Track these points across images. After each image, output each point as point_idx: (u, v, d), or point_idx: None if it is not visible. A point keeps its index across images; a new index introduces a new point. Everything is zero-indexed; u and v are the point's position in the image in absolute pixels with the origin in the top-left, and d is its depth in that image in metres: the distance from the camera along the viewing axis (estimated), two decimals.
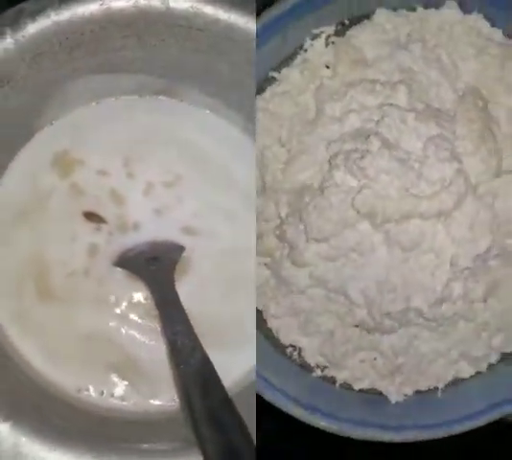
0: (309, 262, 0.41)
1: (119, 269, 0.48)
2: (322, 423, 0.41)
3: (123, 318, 0.47)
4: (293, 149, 0.43)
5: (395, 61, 0.43)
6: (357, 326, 0.42)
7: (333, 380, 0.43)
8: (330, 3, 0.44)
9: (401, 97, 0.42)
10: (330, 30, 0.44)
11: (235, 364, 0.45)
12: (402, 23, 0.44)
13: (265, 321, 0.44)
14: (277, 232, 0.42)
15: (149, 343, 0.46)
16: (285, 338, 0.43)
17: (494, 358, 0.43)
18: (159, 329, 0.46)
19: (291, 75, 0.44)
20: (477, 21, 0.43)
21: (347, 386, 0.43)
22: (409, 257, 0.40)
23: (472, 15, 0.43)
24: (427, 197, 0.39)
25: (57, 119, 0.51)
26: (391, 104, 0.41)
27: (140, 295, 0.47)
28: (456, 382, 0.43)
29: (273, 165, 0.43)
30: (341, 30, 0.44)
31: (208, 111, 0.51)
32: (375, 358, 0.43)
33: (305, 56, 0.45)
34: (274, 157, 0.43)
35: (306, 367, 0.44)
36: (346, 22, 0.44)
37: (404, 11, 0.44)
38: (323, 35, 0.44)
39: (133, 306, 0.47)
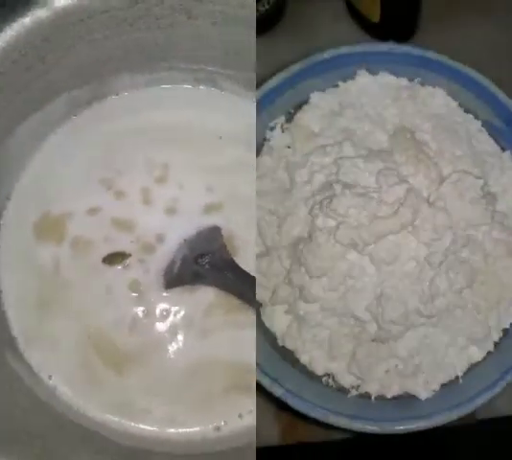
0: (317, 296, 0.48)
1: (175, 290, 0.46)
2: (365, 426, 0.46)
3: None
4: (281, 214, 0.51)
5: (335, 126, 0.53)
6: (373, 340, 0.48)
7: (368, 395, 0.49)
8: (278, 98, 0.54)
9: (348, 150, 0.51)
10: (281, 120, 0.55)
11: None
12: (332, 98, 0.54)
13: (298, 359, 0.50)
14: (286, 281, 0.49)
15: None
16: (318, 369, 0.49)
17: (496, 336, 0.49)
18: None
19: (264, 160, 0.53)
20: (384, 77, 0.54)
21: (382, 397, 0.49)
22: (394, 268, 0.47)
23: (379, 75, 0.54)
24: (390, 216, 0.47)
25: (17, 181, 0.49)
26: (342, 157, 0.50)
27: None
28: (473, 367, 0.49)
29: (269, 230, 0.51)
30: (290, 117, 0.55)
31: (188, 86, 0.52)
32: (396, 365, 0.48)
33: (269, 144, 0.54)
34: (268, 224, 0.51)
35: (343, 390, 0.49)
36: (291, 111, 0.55)
37: (331, 89, 0.55)
38: (278, 126, 0.54)
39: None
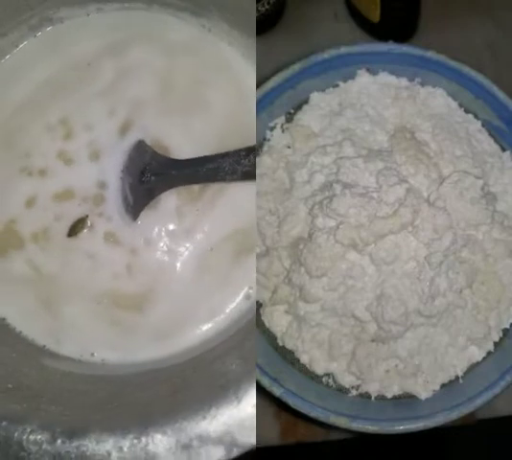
0: (317, 296, 0.48)
1: (142, 215, 0.47)
2: (365, 426, 0.46)
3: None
4: (281, 214, 0.51)
5: (336, 126, 0.53)
6: (373, 340, 0.48)
7: (368, 395, 0.49)
8: (278, 98, 0.54)
9: (348, 150, 0.51)
10: (281, 120, 0.55)
11: None
12: (332, 98, 0.54)
13: (298, 359, 0.50)
14: (286, 281, 0.49)
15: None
16: (318, 369, 0.49)
17: (497, 337, 0.49)
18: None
19: (263, 160, 0.54)
20: (384, 77, 0.54)
21: (382, 397, 0.49)
22: (395, 268, 0.47)
23: (379, 75, 0.54)
24: (390, 217, 0.47)
25: None
26: (342, 157, 0.50)
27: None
28: (473, 367, 0.49)
29: (269, 230, 0.51)
30: (290, 117, 0.55)
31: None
32: (396, 365, 0.48)
33: (269, 143, 0.54)
34: (268, 224, 0.51)
35: (343, 390, 0.49)
36: (292, 111, 0.55)
37: (331, 89, 0.55)
38: (278, 126, 0.55)
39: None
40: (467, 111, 0.54)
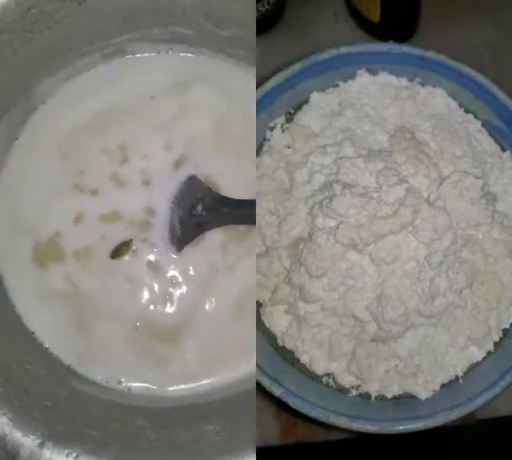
0: (317, 296, 0.48)
1: (187, 249, 0.48)
2: (365, 426, 0.46)
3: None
4: (281, 214, 0.51)
5: (336, 126, 0.53)
6: (373, 340, 0.48)
7: (368, 395, 0.49)
8: (278, 98, 0.54)
9: (348, 150, 0.51)
10: (281, 120, 0.55)
11: None
12: (332, 98, 0.54)
13: (298, 359, 0.50)
14: (286, 281, 0.49)
15: None
16: (318, 369, 0.49)
17: (497, 337, 0.49)
18: None
19: (264, 160, 0.53)
20: (384, 77, 0.54)
21: (382, 397, 0.49)
22: (395, 268, 0.47)
23: (379, 75, 0.54)
24: (390, 216, 0.47)
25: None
26: (342, 157, 0.50)
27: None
28: (473, 367, 0.49)
29: (269, 230, 0.51)
30: (290, 117, 0.55)
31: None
32: (396, 365, 0.48)
33: (269, 143, 0.54)
34: (268, 224, 0.51)
35: (343, 390, 0.49)
36: (292, 111, 0.55)
37: (331, 89, 0.55)
38: (278, 126, 0.55)
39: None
40: (467, 111, 0.54)
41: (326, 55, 0.54)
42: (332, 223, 0.48)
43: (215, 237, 0.50)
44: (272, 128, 0.55)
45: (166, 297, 0.49)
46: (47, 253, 0.50)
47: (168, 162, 0.51)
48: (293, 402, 0.47)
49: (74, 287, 0.50)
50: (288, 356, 0.50)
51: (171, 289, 0.49)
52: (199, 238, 0.50)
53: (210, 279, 0.50)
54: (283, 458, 0.54)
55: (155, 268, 0.50)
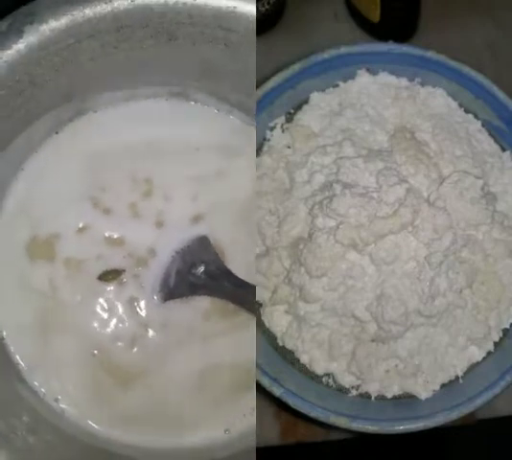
0: (317, 296, 0.48)
1: (172, 302, 0.47)
2: (365, 426, 0.46)
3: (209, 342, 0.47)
4: (281, 214, 0.51)
5: (336, 126, 0.53)
6: (373, 340, 0.48)
7: (368, 395, 0.49)
8: (278, 98, 0.55)
9: (348, 150, 0.51)
10: (281, 120, 0.55)
11: None
12: (332, 98, 0.54)
13: (298, 359, 0.50)
14: (286, 281, 0.49)
15: None
16: (318, 369, 0.49)
17: (497, 337, 0.49)
18: None
19: (264, 160, 0.53)
20: (384, 77, 0.54)
21: (382, 397, 0.49)
22: (395, 268, 0.47)
23: (379, 75, 0.54)
24: (390, 216, 0.47)
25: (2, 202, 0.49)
26: (342, 157, 0.50)
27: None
28: (473, 367, 0.49)
29: (269, 230, 0.51)
30: (290, 117, 0.55)
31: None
32: (396, 365, 0.48)
33: (269, 143, 0.54)
34: (268, 224, 0.51)
35: (343, 390, 0.49)
36: (292, 111, 0.55)
37: (331, 89, 0.55)
38: (278, 126, 0.55)
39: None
40: (467, 111, 0.54)
41: (326, 55, 0.54)
42: (332, 223, 0.48)
43: (202, 302, 0.50)
44: (272, 128, 0.55)
45: (133, 339, 0.49)
46: (41, 249, 0.49)
47: (188, 213, 0.51)
48: (293, 402, 0.47)
49: (53, 291, 0.49)
50: (288, 356, 0.50)
51: (141, 334, 0.49)
52: (189, 297, 0.49)
53: (182, 340, 0.49)
54: (283, 458, 0.54)
55: (135, 308, 0.49)
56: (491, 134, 0.54)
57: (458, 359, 0.48)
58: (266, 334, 0.51)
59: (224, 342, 0.49)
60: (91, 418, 0.48)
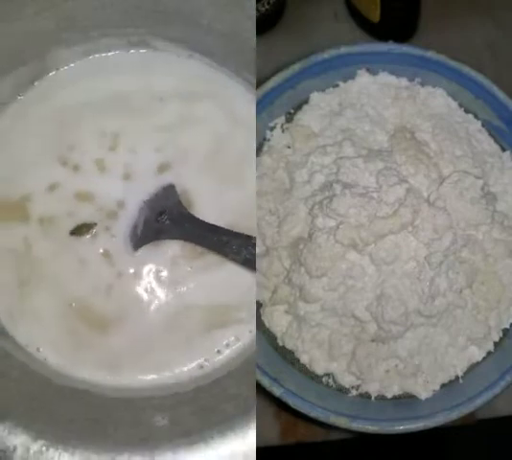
0: (317, 296, 0.48)
1: (143, 250, 0.49)
2: (365, 426, 0.46)
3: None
4: (281, 214, 0.51)
5: (336, 126, 0.53)
6: (373, 340, 0.48)
7: (368, 395, 0.49)
8: (278, 98, 0.54)
9: (348, 150, 0.51)
10: (281, 120, 0.55)
11: None
12: (332, 98, 0.54)
13: (298, 359, 0.50)
14: (286, 281, 0.49)
15: None
16: (318, 369, 0.49)
17: (497, 337, 0.49)
18: None
19: (264, 160, 0.54)
20: (384, 77, 0.54)
21: (382, 397, 0.49)
22: (395, 268, 0.47)
23: (379, 75, 0.54)
24: (390, 217, 0.47)
25: None
26: (342, 157, 0.50)
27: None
28: (473, 367, 0.49)
29: (269, 230, 0.51)
30: (290, 117, 0.55)
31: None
32: (396, 365, 0.48)
33: (269, 143, 0.54)
34: (268, 224, 0.51)
35: (343, 390, 0.49)
36: (292, 111, 0.55)
37: (331, 89, 0.55)
38: (278, 126, 0.55)
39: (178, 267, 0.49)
40: (467, 111, 0.54)
41: (326, 55, 0.54)
42: (332, 223, 0.48)
43: (171, 247, 0.51)
44: (272, 128, 0.55)
45: (108, 289, 0.50)
46: (13, 212, 0.51)
47: (153, 164, 0.52)
48: (293, 402, 0.47)
49: (28, 248, 0.51)
50: (288, 356, 0.50)
51: (115, 282, 0.50)
52: (158, 244, 0.51)
53: (153, 286, 0.51)
54: (283, 458, 0.54)
55: (108, 258, 0.51)
56: (491, 134, 0.54)
57: (458, 359, 0.48)
58: (266, 334, 0.51)
59: (194, 284, 0.51)
60: (73, 364, 0.50)
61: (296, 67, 0.54)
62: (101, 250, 0.51)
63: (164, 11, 0.51)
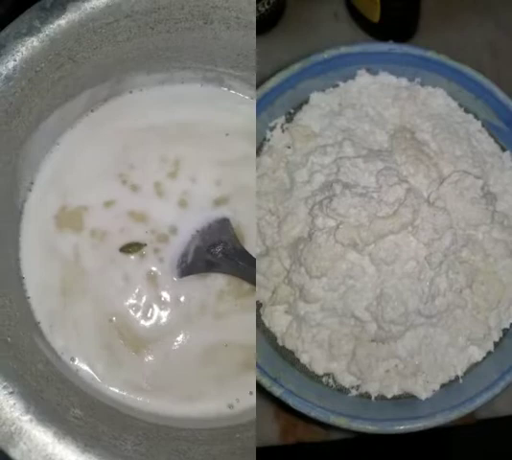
0: (317, 296, 0.48)
1: (189, 278, 0.49)
2: (365, 426, 0.46)
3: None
4: (281, 214, 0.51)
5: (336, 126, 0.53)
6: (373, 340, 0.48)
7: (368, 395, 0.49)
8: (278, 98, 0.55)
9: (348, 150, 0.51)
10: (281, 120, 0.55)
11: None
12: (332, 98, 0.55)
13: (298, 359, 0.50)
14: (286, 281, 0.50)
15: None
16: (318, 369, 0.49)
17: (497, 337, 0.49)
18: None
19: (264, 160, 0.54)
20: (384, 77, 0.54)
21: (382, 397, 0.49)
22: (395, 268, 0.48)
23: (379, 75, 0.54)
24: (390, 216, 0.47)
25: (37, 173, 0.51)
26: (342, 157, 0.50)
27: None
28: (473, 367, 0.49)
29: (269, 230, 0.51)
30: (289, 117, 0.55)
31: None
32: (396, 365, 0.48)
33: (269, 144, 0.55)
34: (268, 224, 0.51)
35: (343, 390, 0.49)
36: (292, 111, 0.55)
37: (331, 89, 0.55)
38: (278, 126, 0.55)
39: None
40: (467, 111, 0.54)
41: (326, 55, 0.54)
42: (332, 223, 0.49)
43: (218, 280, 0.51)
44: (272, 128, 0.55)
45: (148, 310, 0.50)
46: (68, 219, 0.52)
47: (211, 196, 0.53)
48: (293, 403, 0.47)
49: (77, 258, 0.51)
50: (288, 356, 0.50)
51: (155, 306, 0.50)
52: (205, 275, 0.51)
53: (193, 316, 0.51)
54: (283, 458, 0.54)
55: (152, 280, 0.51)
56: (491, 134, 0.54)
57: (458, 359, 0.48)
58: (266, 334, 0.51)
59: (234, 322, 0.50)
60: (103, 379, 0.49)
61: (296, 67, 0.54)
62: (147, 271, 0.51)
63: (244, 55, 0.53)
